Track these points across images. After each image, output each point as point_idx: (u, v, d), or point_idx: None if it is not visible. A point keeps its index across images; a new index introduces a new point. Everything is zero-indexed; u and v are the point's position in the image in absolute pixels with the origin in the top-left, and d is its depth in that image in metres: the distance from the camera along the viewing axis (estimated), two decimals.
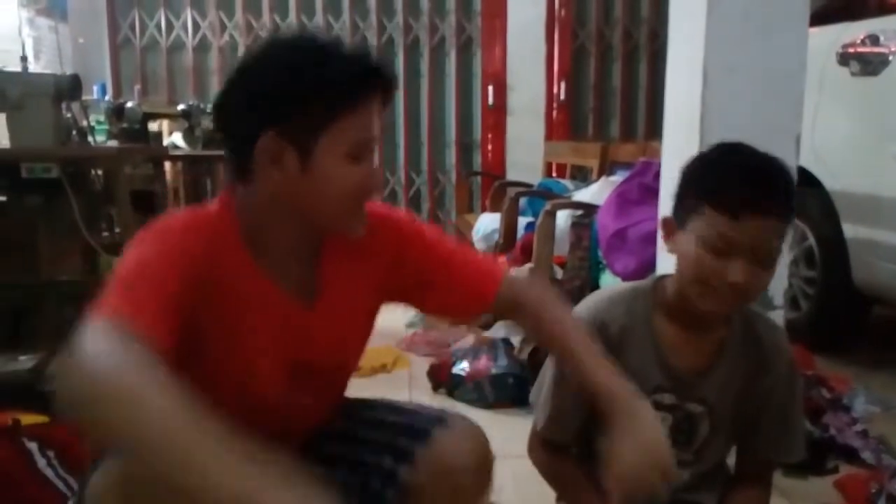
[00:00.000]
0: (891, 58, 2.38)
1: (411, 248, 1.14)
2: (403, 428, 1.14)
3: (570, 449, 1.23)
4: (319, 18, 4.63)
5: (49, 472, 1.54)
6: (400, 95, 4.75)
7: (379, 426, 1.17)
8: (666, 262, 2.01)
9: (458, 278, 1.16)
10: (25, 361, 2.17)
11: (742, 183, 1.03)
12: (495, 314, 1.25)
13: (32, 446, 1.58)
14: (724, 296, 1.04)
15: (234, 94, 0.98)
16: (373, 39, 4.68)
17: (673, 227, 1.11)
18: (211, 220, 1.00)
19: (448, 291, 1.16)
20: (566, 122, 4.84)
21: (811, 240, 2.69)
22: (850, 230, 2.51)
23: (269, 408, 1.05)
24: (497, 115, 4.79)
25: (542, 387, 1.23)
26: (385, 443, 1.13)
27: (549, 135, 4.77)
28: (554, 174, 4.39)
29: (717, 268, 1.03)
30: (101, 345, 0.77)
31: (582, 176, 4.07)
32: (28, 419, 1.69)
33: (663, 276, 1.18)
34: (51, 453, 1.57)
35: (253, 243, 1.01)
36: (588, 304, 1.21)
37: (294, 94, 0.93)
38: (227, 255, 0.99)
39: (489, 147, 4.83)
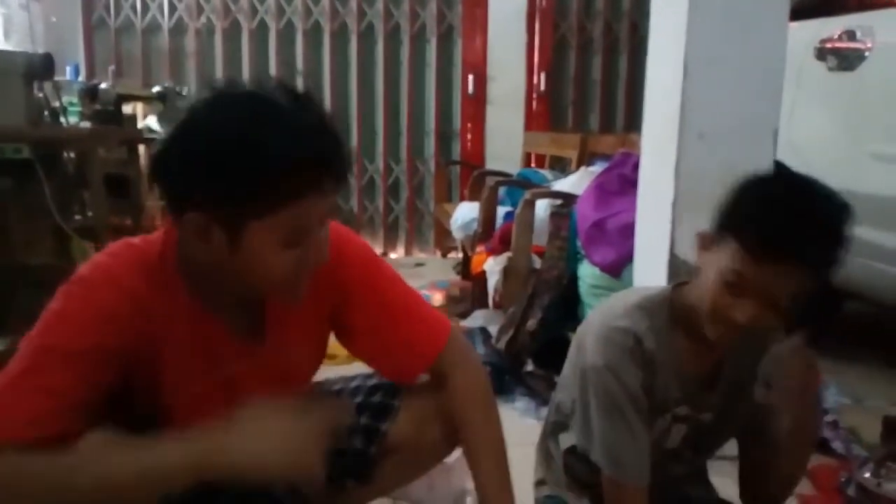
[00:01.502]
0: (867, 53, 2.41)
1: (361, 291, 1.09)
2: (376, 387, 1.18)
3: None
4: (298, 2, 4.57)
5: None
6: (379, 83, 4.71)
7: (351, 392, 1.20)
8: (645, 254, 2.02)
9: (402, 336, 1.11)
10: None
11: (776, 227, 0.93)
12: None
13: None
14: (729, 329, 0.99)
15: (172, 151, 0.87)
16: (353, 26, 4.63)
17: (707, 242, 1.02)
18: (151, 261, 0.94)
19: (385, 351, 1.12)
20: (546, 113, 4.84)
21: None
22: None
23: None
24: (477, 104, 4.77)
25: (592, 428, 1.08)
26: (360, 404, 1.17)
27: (529, 125, 4.77)
28: (533, 164, 4.39)
29: (727, 303, 0.97)
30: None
31: (560, 167, 4.07)
32: None
33: (680, 285, 1.12)
34: None
35: (196, 286, 0.96)
36: (613, 316, 1.09)
37: (226, 177, 0.83)
38: (168, 298, 0.94)
39: (468, 136, 4.82)
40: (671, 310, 1.09)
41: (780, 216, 0.94)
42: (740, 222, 0.97)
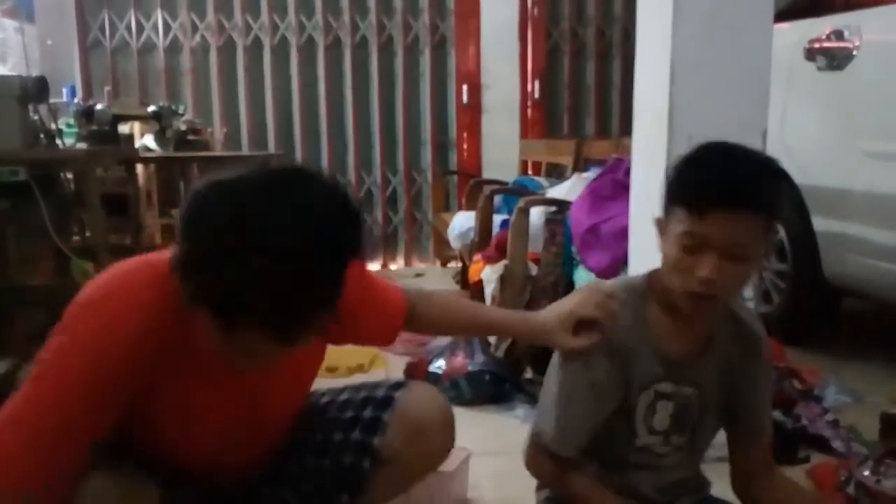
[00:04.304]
0: (855, 52, 2.42)
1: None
2: (366, 400, 1.20)
3: (576, 460, 1.19)
4: (292, 18, 4.60)
5: None
6: (374, 95, 4.73)
7: (341, 406, 1.22)
8: (639, 257, 2.03)
9: (374, 309, 1.18)
10: None
11: (704, 180, 1.04)
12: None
13: None
14: (699, 292, 1.05)
15: (192, 227, 0.86)
16: (346, 40, 4.66)
17: (663, 225, 1.11)
18: (162, 282, 0.92)
19: (371, 320, 1.19)
20: (541, 120, 4.86)
21: (782, 234, 2.72)
22: (820, 224, 2.55)
23: (205, 463, 1.08)
24: (472, 114, 4.79)
25: (547, 396, 1.21)
26: (351, 419, 1.18)
27: (524, 133, 4.79)
28: (529, 172, 4.40)
29: (689, 264, 1.04)
30: None
31: (557, 173, 4.08)
32: None
33: (657, 270, 1.17)
34: None
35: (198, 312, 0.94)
36: None
37: (228, 292, 0.83)
38: (176, 321, 0.93)
39: (465, 146, 4.84)
40: (647, 292, 1.17)
41: (709, 170, 1.05)
42: (678, 189, 1.07)
